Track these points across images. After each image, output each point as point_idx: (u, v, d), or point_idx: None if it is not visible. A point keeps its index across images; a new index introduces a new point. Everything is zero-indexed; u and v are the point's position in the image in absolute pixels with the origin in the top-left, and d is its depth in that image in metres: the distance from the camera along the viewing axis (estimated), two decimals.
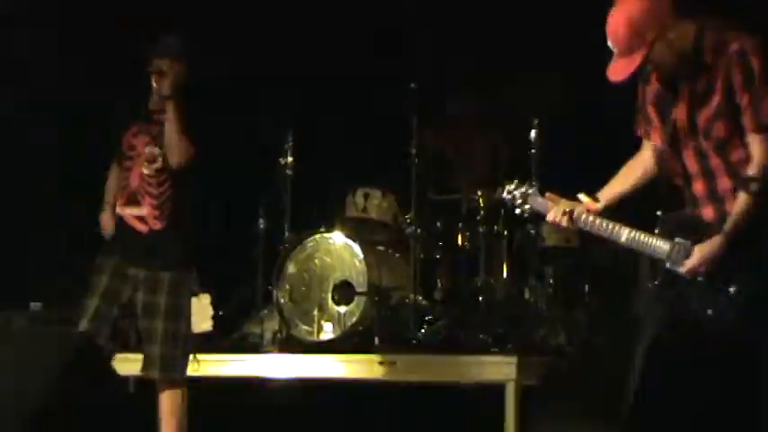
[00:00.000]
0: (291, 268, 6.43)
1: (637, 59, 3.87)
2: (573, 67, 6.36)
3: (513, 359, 5.54)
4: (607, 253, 6.43)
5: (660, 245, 3.92)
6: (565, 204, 4.12)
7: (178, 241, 5.10)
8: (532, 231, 6.36)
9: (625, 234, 4.00)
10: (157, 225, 5.09)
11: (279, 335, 6.31)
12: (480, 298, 6.33)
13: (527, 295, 6.36)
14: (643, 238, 3.97)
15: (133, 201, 5.11)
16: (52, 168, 6.59)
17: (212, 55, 6.87)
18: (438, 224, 6.55)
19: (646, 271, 4.04)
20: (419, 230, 6.35)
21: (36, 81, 6.84)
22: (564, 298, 6.44)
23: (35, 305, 6.93)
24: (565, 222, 4.10)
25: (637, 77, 4.04)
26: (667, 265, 3.89)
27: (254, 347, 6.32)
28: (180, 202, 5.10)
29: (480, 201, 6.42)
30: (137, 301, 5.04)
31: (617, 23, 3.87)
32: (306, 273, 6.40)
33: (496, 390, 5.49)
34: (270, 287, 6.47)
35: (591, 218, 4.07)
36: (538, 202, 4.21)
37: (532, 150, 6.36)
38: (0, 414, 4.47)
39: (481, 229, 6.42)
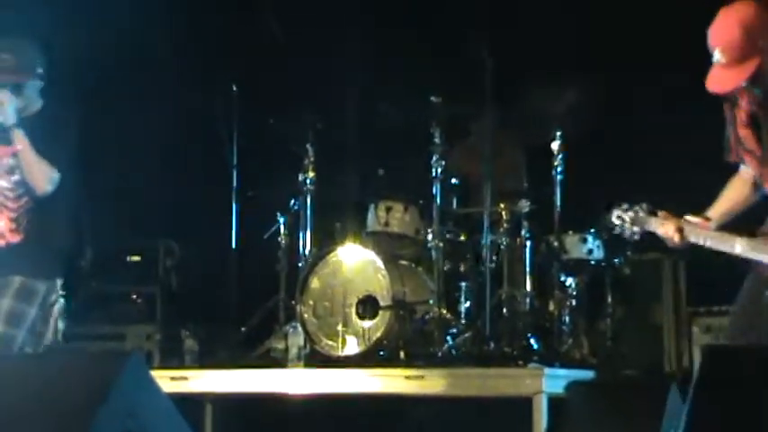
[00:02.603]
0: (315, 283, 6.41)
1: (750, 68, 3.83)
2: (594, 77, 6.41)
3: (540, 371, 5.52)
4: (629, 264, 6.47)
5: None
6: (676, 222, 4.18)
7: (38, 254, 5.02)
8: (555, 243, 6.35)
9: (739, 244, 4.05)
10: (15, 238, 5.04)
11: (303, 350, 6.29)
12: (504, 310, 6.33)
13: (551, 307, 6.34)
14: (759, 245, 4.02)
15: None
16: None
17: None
18: (462, 237, 6.53)
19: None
20: (441, 243, 6.34)
21: None
22: (587, 309, 6.43)
23: None
24: (677, 239, 4.16)
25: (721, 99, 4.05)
26: None
27: (279, 363, 6.31)
28: (43, 215, 5.03)
29: (503, 213, 6.41)
30: None
31: (728, 29, 3.80)
32: (329, 288, 6.38)
33: (524, 402, 5.47)
34: (293, 302, 6.47)
35: (702, 232, 4.13)
36: (648, 221, 4.26)
37: (555, 162, 6.36)
38: None
39: (504, 242, 6.41)
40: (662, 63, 6.23)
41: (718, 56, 3.85)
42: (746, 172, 4.20)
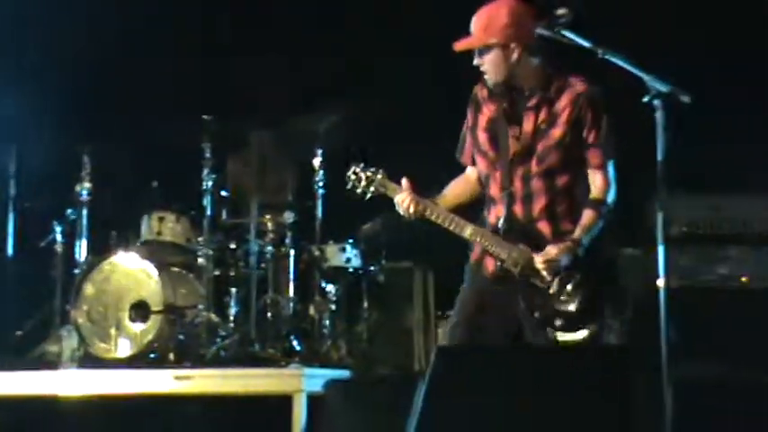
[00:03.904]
0: (89, 289, 6.69)
1: (473, 43, 4.28)
2: (351, 101, 6.90)
3: (300, 371, 5.90)
4: (384, 272, 6.97)
5: (505, 245, 4.31)
6: (415, 196, 4.37)
7: None
8: (316, 252, 6.82)
9: (469, 229, 4.35)
10: None
11: (77, 352, 6.53)
12: (269, 314, 6.75)
13: (312, 311, 6.79)
14: (487, 236, 4.34)
15: None
16: None
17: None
18: (232, 246, 6.90)
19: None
20: (211, 252, 6.74)
21: None
22: (346, 313, 6.89)
23: None
24: (413, 209, 4.36)
25: (467, 105, 4.47)
26: (505, 265, 4.31)
27: (52, 365, 6.52)
28: None
29: (269, 223, 6.84)
30: None
31: (488, 12, 4.28)
32: (103, 293, 6.67)
33: (285, 400, 5.85)
34: (68, 307, 6.71)
35: (437, 210, 4.38)
36: (386, 186, 4.43)
37: (317, 177, 6.83)
38: None
39: (270, 250, 6.84)
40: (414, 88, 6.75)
41: (472, 23, 4.31)
42: (473, 173, 4.54)
